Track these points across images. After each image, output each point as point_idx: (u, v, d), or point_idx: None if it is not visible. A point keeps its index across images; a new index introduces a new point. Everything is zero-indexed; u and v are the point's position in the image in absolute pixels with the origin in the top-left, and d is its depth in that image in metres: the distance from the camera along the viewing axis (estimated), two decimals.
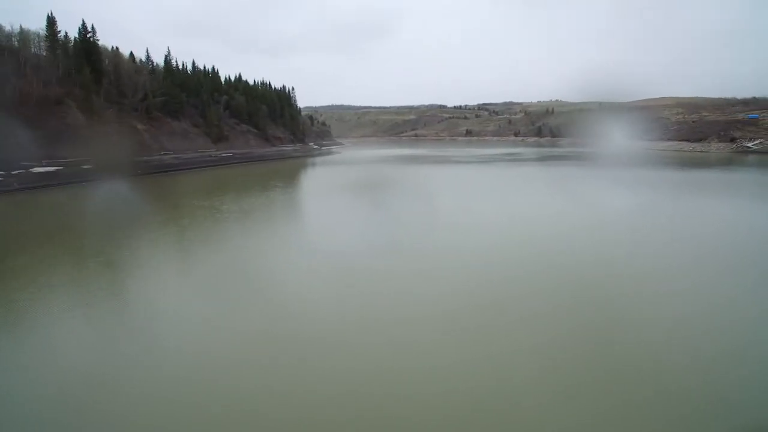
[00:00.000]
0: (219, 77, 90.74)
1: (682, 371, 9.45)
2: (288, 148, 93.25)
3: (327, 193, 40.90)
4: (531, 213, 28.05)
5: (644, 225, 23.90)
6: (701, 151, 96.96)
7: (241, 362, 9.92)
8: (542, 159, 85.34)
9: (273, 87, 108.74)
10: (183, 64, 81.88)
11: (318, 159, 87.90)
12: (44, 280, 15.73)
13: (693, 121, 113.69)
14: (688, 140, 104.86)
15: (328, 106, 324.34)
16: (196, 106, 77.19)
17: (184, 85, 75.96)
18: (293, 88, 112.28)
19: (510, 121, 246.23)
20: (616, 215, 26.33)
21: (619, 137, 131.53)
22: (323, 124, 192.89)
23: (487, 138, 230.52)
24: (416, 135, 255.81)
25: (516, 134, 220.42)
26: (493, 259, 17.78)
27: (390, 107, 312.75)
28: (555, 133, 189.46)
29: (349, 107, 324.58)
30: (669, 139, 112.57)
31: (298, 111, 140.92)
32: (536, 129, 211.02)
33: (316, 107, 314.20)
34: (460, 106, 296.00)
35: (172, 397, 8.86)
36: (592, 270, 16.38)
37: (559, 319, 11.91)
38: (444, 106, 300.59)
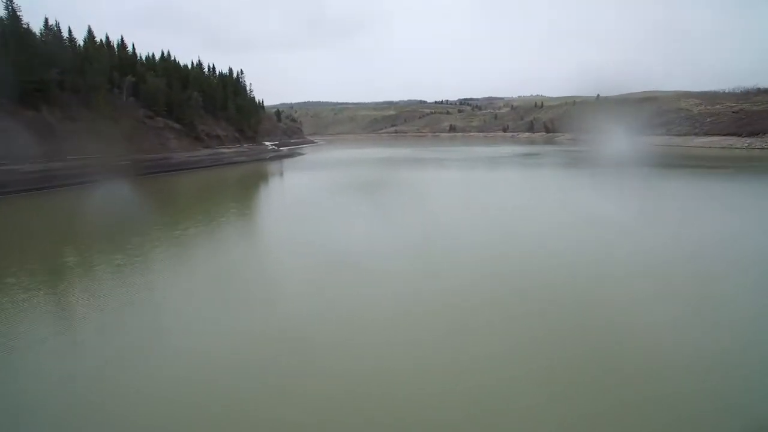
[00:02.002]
0: (133, 53, 62.88)
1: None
2: (229, 150, 65.78)
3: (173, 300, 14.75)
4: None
5: None
6: (761, 148, 74.02)
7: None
8: (573, 164, 60.36)
9: (216, 71, 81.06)
10: (68, 31, 53.89)
11: (266, 166, 60.87)
12: None
13: (733, 112, 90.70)
14: (737, 134, 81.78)
15: (305, 102, 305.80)
16: (78, 90, 49.55)
17: (55, 57, 48.14)
18: (242, 71, 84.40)
19: (496, 116, 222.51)
20: None
21: (630, 132, 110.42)
22: (293, 120, 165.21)
23: (472, 134, 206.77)
24: (396, 131, 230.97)
25: (505, 130, 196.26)
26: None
27: (368, 103, 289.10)
28: (550, 128, 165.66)
29: (326, 104, 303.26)
30: (707, 134, 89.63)
31: (259, 104, 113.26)
32: (527, 124, 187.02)
33: (291, 104, 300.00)
34: (441, 101, 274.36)
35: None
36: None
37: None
38: (424, 102, 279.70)
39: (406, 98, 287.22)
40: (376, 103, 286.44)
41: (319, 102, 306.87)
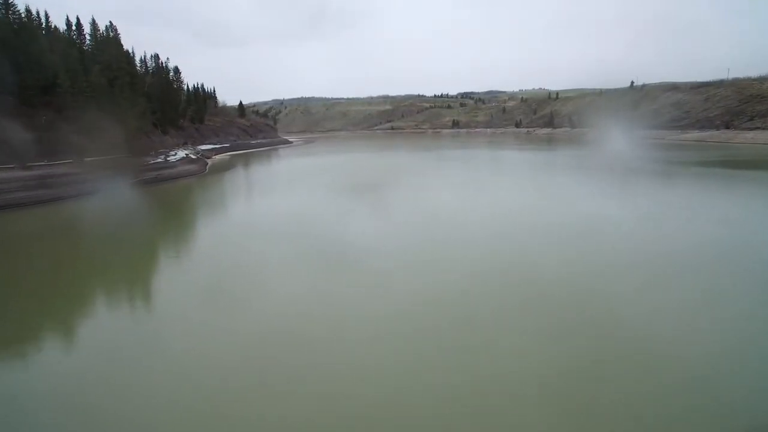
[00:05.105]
0: None
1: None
2: (25, 176, 28.61)
3: None
4: None
5: None
6: None
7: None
8: None
9: (74, 28, 43.47)
10: None
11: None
12: None
13: None
14: None
15: (298, 98, 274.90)
16: None
17: None
18: (115, 27, 46.82)
19: (504, 110, 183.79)
20: None
21: (712, 126, 76.10)
22: (264, 115, 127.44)
23: (478, 130, 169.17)
24: (392, 128, 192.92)
25: (518, 125, 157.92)
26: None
27: (363, 98, 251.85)
28: (575, 123, 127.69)
29: (320, 99, 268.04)
30: None
31: (208, 93, 76.06)
32: (544, 118, 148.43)
33: (282, 100, 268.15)
34: (441, 95, 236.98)
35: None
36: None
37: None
38: (423, 96, 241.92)
39: (403, 93, 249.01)
40: (371, 98, 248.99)
41: (313, 98, 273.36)
